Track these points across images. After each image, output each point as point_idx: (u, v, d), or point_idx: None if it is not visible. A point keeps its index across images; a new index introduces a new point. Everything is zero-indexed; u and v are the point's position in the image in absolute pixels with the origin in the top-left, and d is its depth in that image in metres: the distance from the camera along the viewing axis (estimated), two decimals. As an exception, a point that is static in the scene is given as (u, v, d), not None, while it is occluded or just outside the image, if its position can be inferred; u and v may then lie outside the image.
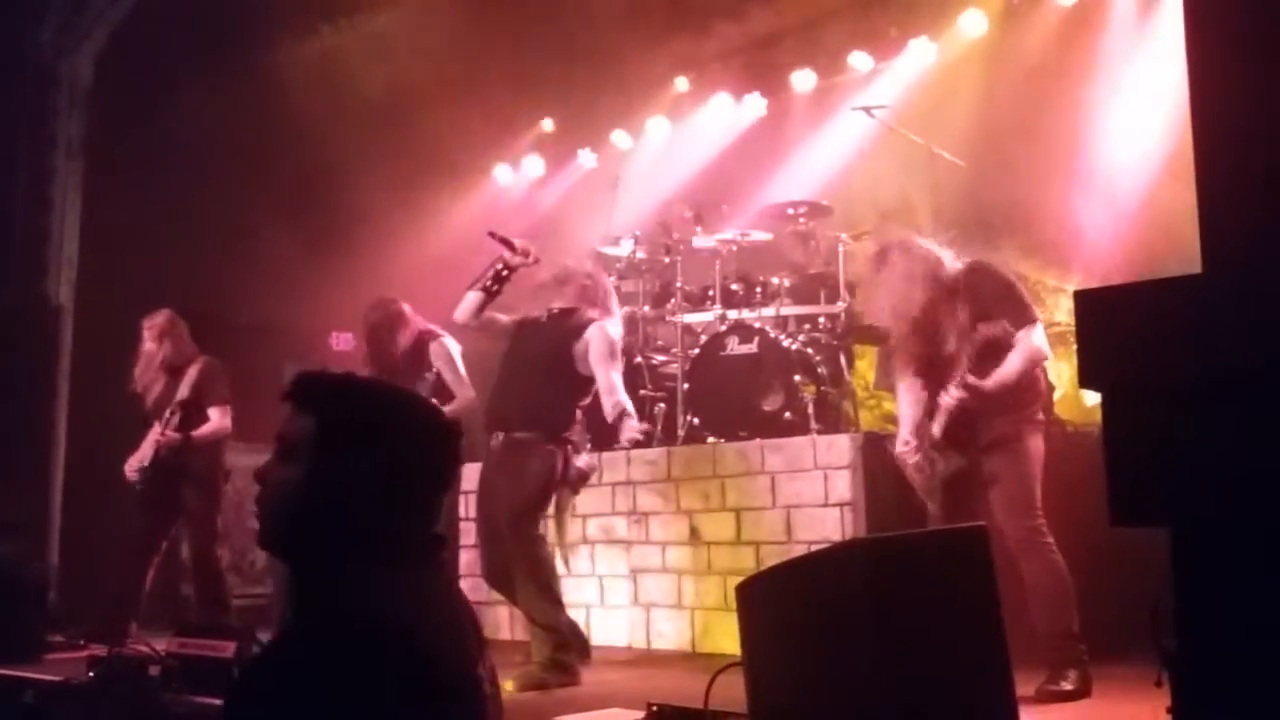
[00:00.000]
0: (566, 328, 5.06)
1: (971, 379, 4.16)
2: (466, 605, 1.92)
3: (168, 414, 5.92)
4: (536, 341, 5.12)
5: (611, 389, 4.96)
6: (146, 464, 5.94)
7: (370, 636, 1.60)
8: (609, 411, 4.97)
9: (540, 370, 5.01)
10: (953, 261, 4.35)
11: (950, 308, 4.28)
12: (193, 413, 5.99)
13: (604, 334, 5.00)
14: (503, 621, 6.37)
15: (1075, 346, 2.59)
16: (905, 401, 4.49)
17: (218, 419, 6.05)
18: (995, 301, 4.24)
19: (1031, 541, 4.08)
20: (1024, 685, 3.71)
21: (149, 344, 6.12)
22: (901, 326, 4.37)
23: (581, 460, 5.10)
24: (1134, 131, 6.09)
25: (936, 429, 4.28)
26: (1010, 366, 4.20)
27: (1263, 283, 1.55)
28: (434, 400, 5.97)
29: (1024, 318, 4.22)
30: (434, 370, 5.97)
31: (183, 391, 6.00)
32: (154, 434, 5.94)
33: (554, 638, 4.79)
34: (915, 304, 4.26)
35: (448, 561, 2.04)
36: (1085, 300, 1.72)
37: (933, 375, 4.37)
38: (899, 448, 4.45)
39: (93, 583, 6.70)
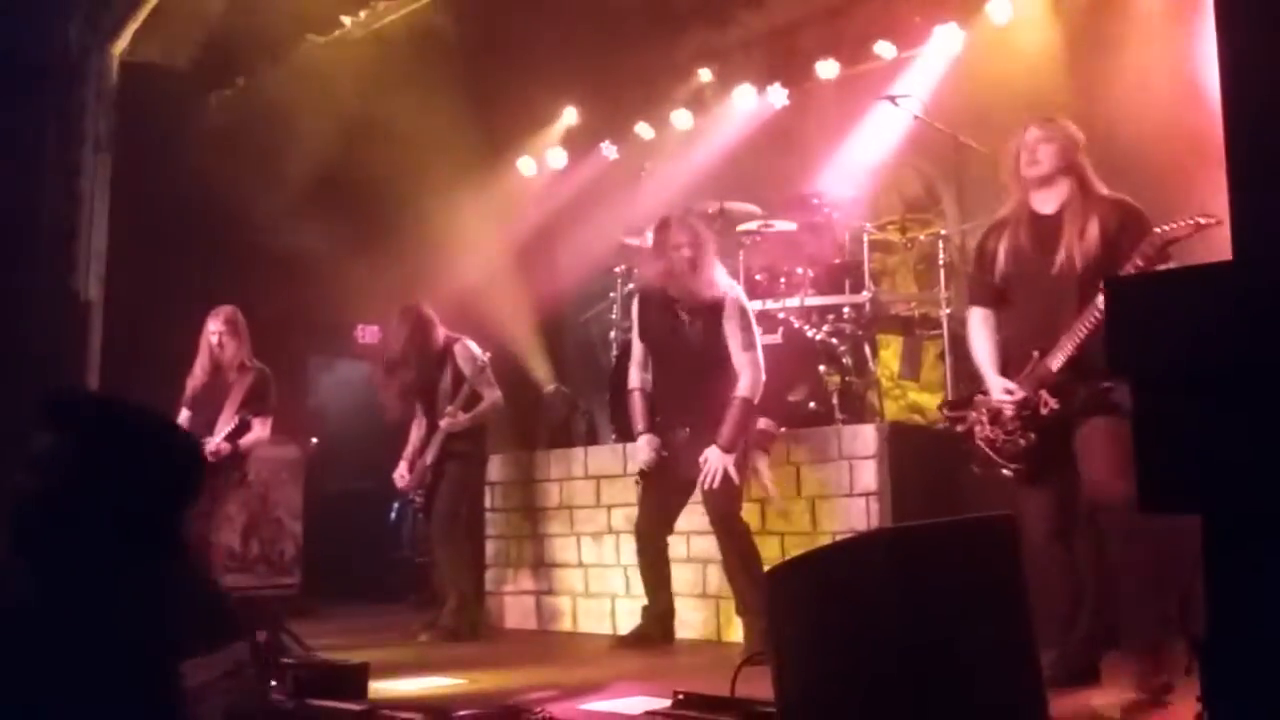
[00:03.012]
0: (711, 317, 5.17)
1: None
2: (203, 597, 2.09)
3: (233, 425, 5.91)
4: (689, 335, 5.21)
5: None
6: None
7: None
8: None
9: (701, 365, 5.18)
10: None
11: (1082, 207, 3.75)
12: (241, 423, 6.02)
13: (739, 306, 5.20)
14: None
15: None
16: (981, 339, 3.98)
17: (260, 429, 6.09)
18: (1126, 223, 3.70)
19: (1128, 520, 3.46)
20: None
21: (220, 338, 6.12)
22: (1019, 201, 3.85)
23: (762, 422, 5.28)
24: (1162, 118, 6.04)
25: (1060, 360, 3.68)
26: None
27: (1294, 269, 1.54)
28: (459, 400, 6.12)
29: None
30: (453, 371, 6.15)
31: (241, 398, 6.01)
32: (209, 445, 5.91)
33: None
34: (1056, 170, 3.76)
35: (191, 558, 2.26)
36: (1115, 288, 1.72)
37: (1035, 298, 3.81)
38: (998, 395, 3.83)
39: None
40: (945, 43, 7.26)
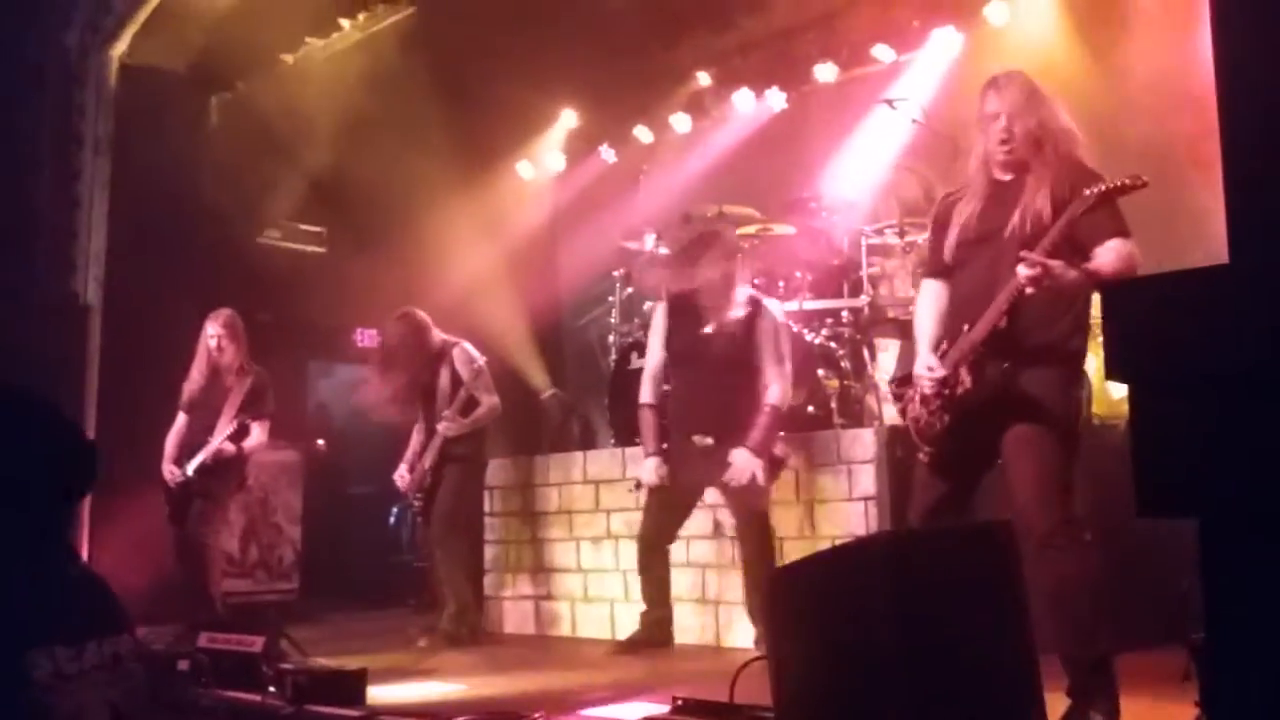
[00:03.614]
0: (742, 327, 5.27)
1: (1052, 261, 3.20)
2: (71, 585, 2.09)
3: (233, 426, 5.92)
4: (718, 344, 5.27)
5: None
6: (192, 474, 5.96)
7: None
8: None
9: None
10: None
11: (1038, 172, 3.43)
12: (241, 425, 6.02)
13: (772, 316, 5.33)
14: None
15: (1101, 339, 2.57)
16: (924, 311, 3.68)
17: (259, 433, 6.10)
18: (1070, 180, 3.37)
19: (1066, 538, 3.28)
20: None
21: (218, 341, 6.13)
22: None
23: (778, 449, 5.35)
24: (1161, 119, 6.04)
25: (981, 332, 3.37)
26: (1104, 260, 3.27)
27: (1290, 273, 1.54)
28: (456, 405, 6.12)
29: (1119, 227, 3.33)
30: (450, 375, 6.16)
31: (240, 401, 6.02)
32: (209, 448, 5.91)
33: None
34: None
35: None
36: (1112, 292, 1.72)
37: (980, 268, 3.50)
38: (919, 371, 3.53)
39: (120, 576, 6.74)
40: (943, 46, 7.27)
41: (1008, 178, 3.51)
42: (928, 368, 3.50)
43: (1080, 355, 3.52)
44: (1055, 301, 3.35)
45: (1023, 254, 3.23)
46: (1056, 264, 3.22)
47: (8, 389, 2.19)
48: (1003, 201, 3.47)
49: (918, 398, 3.56)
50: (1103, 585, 3.36)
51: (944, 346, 3.52)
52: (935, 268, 3.71)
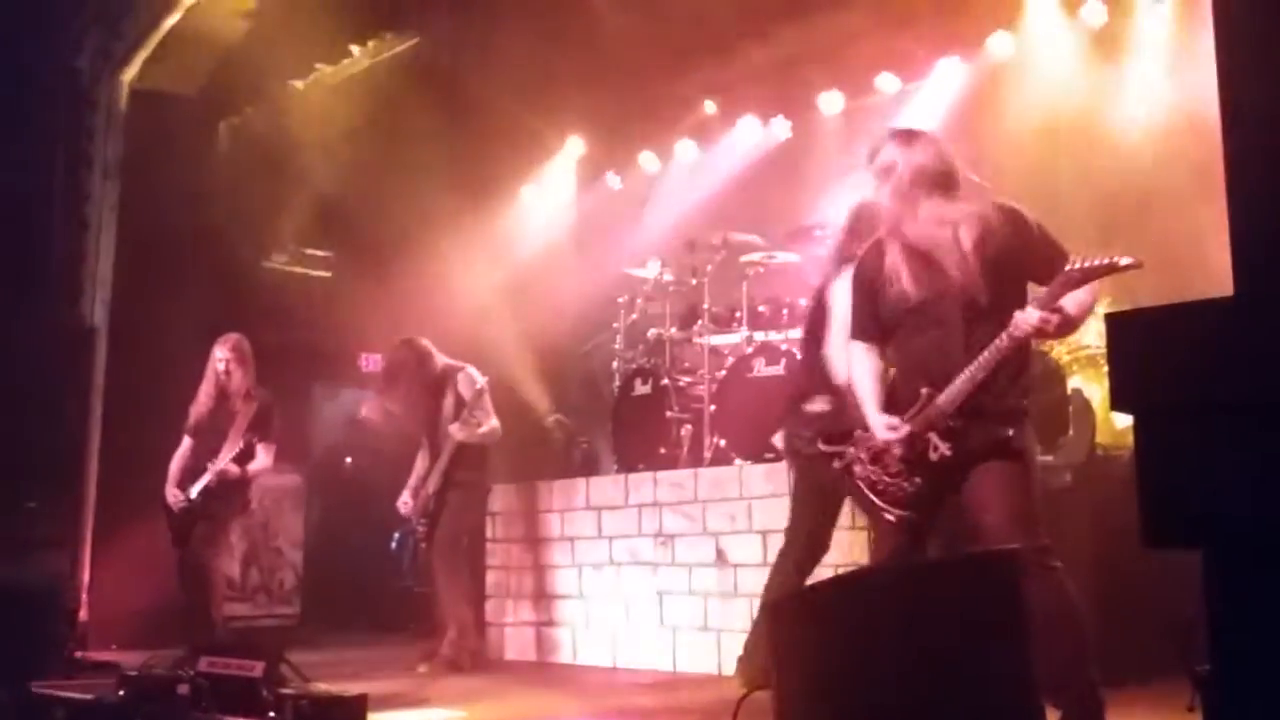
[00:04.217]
0: None
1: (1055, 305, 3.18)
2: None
3: (239, 448, 5.93)
4: None
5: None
6: (196, 496, 5.96)
7: None
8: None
9: None
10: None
11: (962, 221, 3.38)
12: (247, 447, 6.03)
13: None
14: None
15: (1106, 369, 2.57)
16: (863, 369, 3.58)
17: (264, 456, 6.11)
18: (1017, 236, 3.36)
19: (1038, 565, 3.19)
20: None
21: (226, 365, 6.14)
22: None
23: None
24: (1165, 149, 6.07)
25: (951, 397, 3.29)
26: (1087, 294, 3.30)
27: (1295, 304, 1.54)
28: (459, 424, 6.12)
29: (1062, 260, 3.28)
30: (454, 398, 6.18)
31: (246, 424, 6.03)
32: (214, 468, 5.91)
33: None
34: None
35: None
36: (1117, 323, 1.72)
37: (920, 327, 3.43)
38: (882, 434, 3.41)
39: (124, 600, 6.75)
40: (948, 76, 7.31)
41: (928, 229, 3.42)
42: (890, 428, 3.41)
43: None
44: (1016, 357, 3.36)
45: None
46: (1055, 317, 3.24)
47: None
48: (929, 254, 3.40)
49: (867, 457, 3.48)
50: (1083, 614, 3.33)
51: (915, 408, 3.40)
52: (867, 329, 3.61)
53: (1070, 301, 3.26)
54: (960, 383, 3.30)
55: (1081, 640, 3.31)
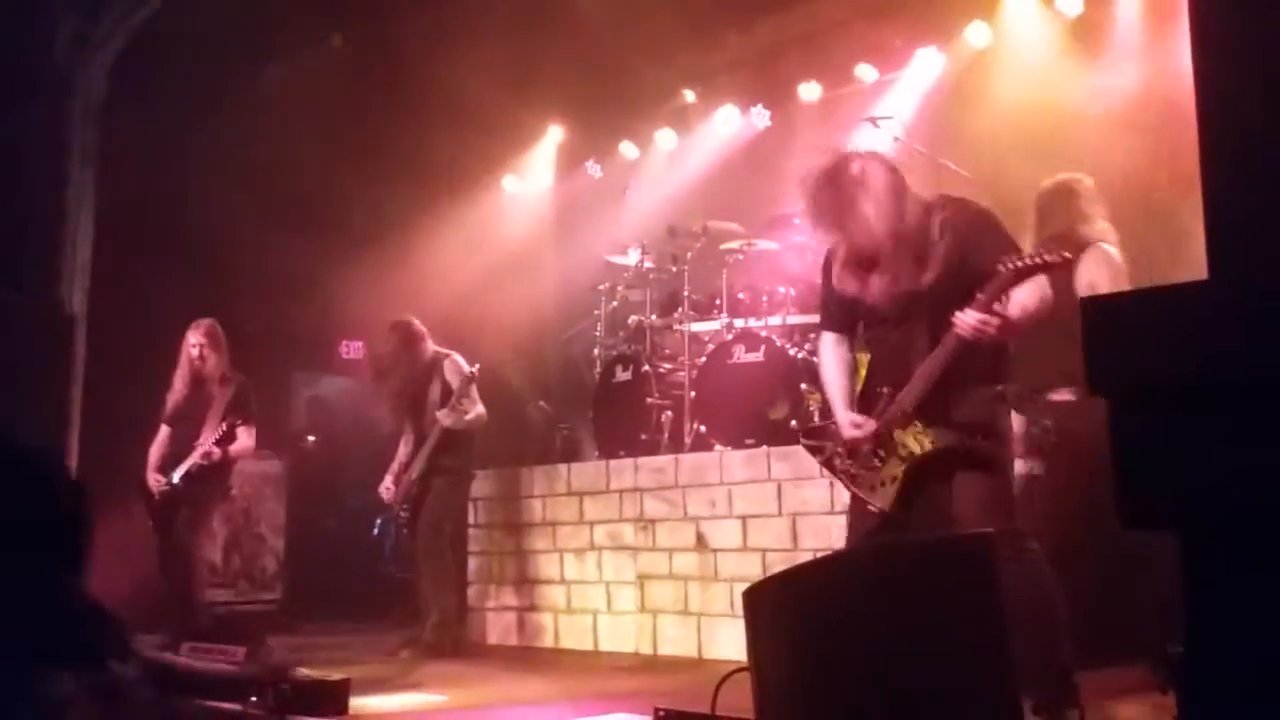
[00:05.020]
0: None
1: (996, 306, 3.21)
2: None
3: (220, 430, 5.92)
4: None
5: None
6: (178, 481, 5.94)
7: None
8: None
9: None
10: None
11: (925, 229, 3.40)
12: (229, 429, 6.02)
13: None
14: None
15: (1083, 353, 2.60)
16: (830, 360, 3.65)
17: (245, 439, 6.10)
18: (979, 235, 3.39)
19: (1012, 549, 3.21)
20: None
21: (200, 351, 6.14)
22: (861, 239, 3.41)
23: None
24: (1143, 137, 6.12)
25: (908, 396, 3.37)
26: (1028, 296, 3.31)
27: (1269, 287, 1.57)
28: (447, 410, 6.14)
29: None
30: (441, 385, 6.20)
31: (224, 407, 6.03)
32: (198, 451, 5.90)
33: None
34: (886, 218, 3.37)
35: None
36: (1092, 307, 1.75)
37: (884, 324, 3.49)
38: (847, 431, 3.49)
39: (103, 586, 6.70)
40: (926, 66, 7.35)
41: (891, 225, 3.43)
42: (854, 425, 3.47)
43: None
44: (983, 363, 3.39)
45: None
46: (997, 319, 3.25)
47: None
48: (892, 251, 3.41)
49: (843, 451, 3.54)
50: (1060, 598, 3.37)
51: (882, 404, 3.46)
52: (833, 321, 3.68)
53: (1013, 304, 3.29)
54: (915, 380, 3.36)
55: (1056, 624, 3.35)
